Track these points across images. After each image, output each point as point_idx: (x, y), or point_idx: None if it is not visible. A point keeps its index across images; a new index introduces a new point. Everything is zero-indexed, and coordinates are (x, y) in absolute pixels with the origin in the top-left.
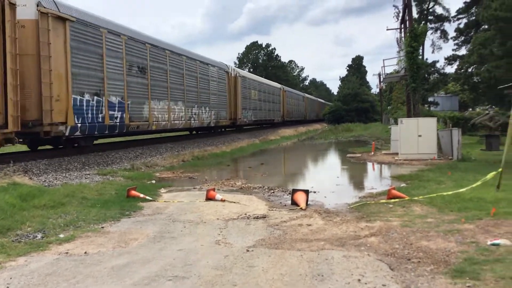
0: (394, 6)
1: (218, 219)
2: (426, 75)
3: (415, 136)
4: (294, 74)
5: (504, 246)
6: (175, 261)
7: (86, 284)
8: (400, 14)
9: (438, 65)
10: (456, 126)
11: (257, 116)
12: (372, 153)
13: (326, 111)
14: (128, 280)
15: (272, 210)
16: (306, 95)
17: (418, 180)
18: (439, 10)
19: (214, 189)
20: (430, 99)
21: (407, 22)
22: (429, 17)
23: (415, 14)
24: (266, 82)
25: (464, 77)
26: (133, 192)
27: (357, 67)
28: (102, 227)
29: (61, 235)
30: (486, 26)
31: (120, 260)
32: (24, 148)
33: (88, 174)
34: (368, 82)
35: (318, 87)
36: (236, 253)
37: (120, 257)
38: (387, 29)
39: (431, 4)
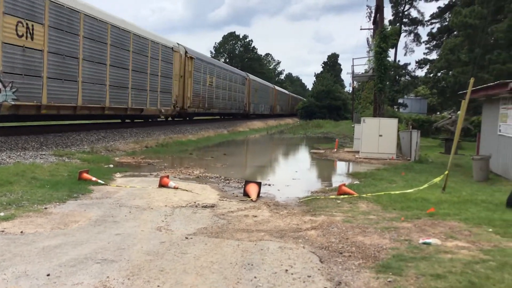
0: (367, 6)
1: (166, 206)
2: (397, 77)
3: (376, 135)
4: (270, 67)
5: (435, 245)
6: (109, 244)
7: (12, 262)
8: (372, 15)
9: (409, 67)
10: (420, 128)
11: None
12: (335, 150)
13: (299, 106)
14: (55, 261)
15: (223, 200)
16: (251, 76)
17: (371, 178)
18: (414, 13)
19: (168, 176)
20: (400, 100)
21: (379, 23)
22: (404, 20)
23: (390, 16)
24: (122, 25)
25: (433, 81)
26: (85, 175)
27: (332, 64)
28: (46, 208)
29: (1, 214)
30: (456, 32)
31: (53, 241)
32: None
33: (44, 154)
34: (343, 80)
35: (293, 81)
36: (174, 240)
37: (55, 238)
38: (361, 29)
39: (407, 7)
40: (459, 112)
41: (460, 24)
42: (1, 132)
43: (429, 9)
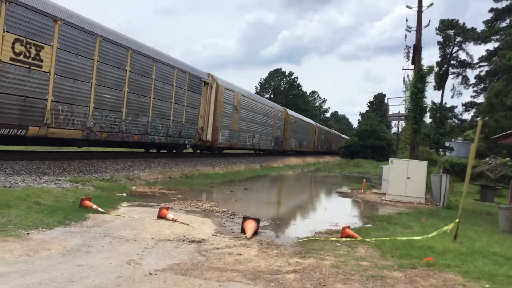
0: (405, 46)
1: (152, 238)
2: (443, 119)
3: (404, 177)
4: (315, 105)
5: None
6: (61, 276)
7: None
8: (410, 55)
9: (456, 110)
10: (461, 174)
11: None
12: (362, 190)
13: (342, 145)
14: None
15: (216, 235)
16: (222, 80)
17: (386, 222)
18: (462, 55)
19: (167, 208)
20: (446, 143)
21: (416, 63)
22: (452, 62)
23: (437, 58)
24: None
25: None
26: (87, 202)
27: (378, 104)
28: (28, 234)
29: None
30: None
31: (7, 269)
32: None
33: (60, 180)
34: (390, 121)
35: (339, 120)
36: (134, 276)
37: (12, 266)
38: (403, 69)
39: (455, 49)
40: (500, 158)
41: (504, 67)
42: (26, 156)
43: (478, 52)
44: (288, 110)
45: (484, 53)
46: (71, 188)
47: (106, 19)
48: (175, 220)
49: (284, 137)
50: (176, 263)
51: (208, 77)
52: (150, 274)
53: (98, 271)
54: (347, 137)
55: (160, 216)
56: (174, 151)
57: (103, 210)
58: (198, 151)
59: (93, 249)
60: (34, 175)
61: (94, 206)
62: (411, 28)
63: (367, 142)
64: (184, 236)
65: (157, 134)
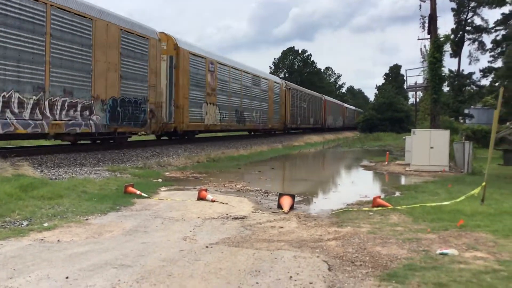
0: (421, 16)
1: (198, 217)
2: (461, 87)
3: (427, 147)
4: (331, 81)
5: (451, 255)
6: (131, 252)
7: (39, 266)
8: (426, 25)
9: (474, 77)
10: (483, 140)
11: None
12: (386, 162)
13: (360, 119)
14: (77, 266)
15: (255, 212)
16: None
17: (414, 191)
18: (477, 21)
19: (206, 190)
20: (466, 111)
21: (432, 33)
22: (467, 28)
23: (452, 25)
24: None
25: (499, 91)
26: (130, 189)
27: (394, 76)
28: (87, 219)
29: (45, 224)
30: None
31: (82, 248)
32: (47, 142)
33: (99, 170)
34: (407, 92)
35: (355, 94)
36: (194, 249)
37: (85, 246)
38: (418, 39)
39: (470, 14)
40: None
41: None
42: (62, 150)
43: (493, 16)
44: (181, 44)
45: (499, 17)
46: (111, 177)
47: (117, 8)
48: (214, 201)
49: (178, 105)
50: (226, 237)
51: None
52: (207, 247)
53: (161, 247)
54: (351, 107)
55: (200, 198)
56: None
57: (146, 195)
58: None
59: (149, 229)
60: (73, 166)
61: (138, 192)
62: None
63: (385, 115)
64: (227, 214)
65: None
